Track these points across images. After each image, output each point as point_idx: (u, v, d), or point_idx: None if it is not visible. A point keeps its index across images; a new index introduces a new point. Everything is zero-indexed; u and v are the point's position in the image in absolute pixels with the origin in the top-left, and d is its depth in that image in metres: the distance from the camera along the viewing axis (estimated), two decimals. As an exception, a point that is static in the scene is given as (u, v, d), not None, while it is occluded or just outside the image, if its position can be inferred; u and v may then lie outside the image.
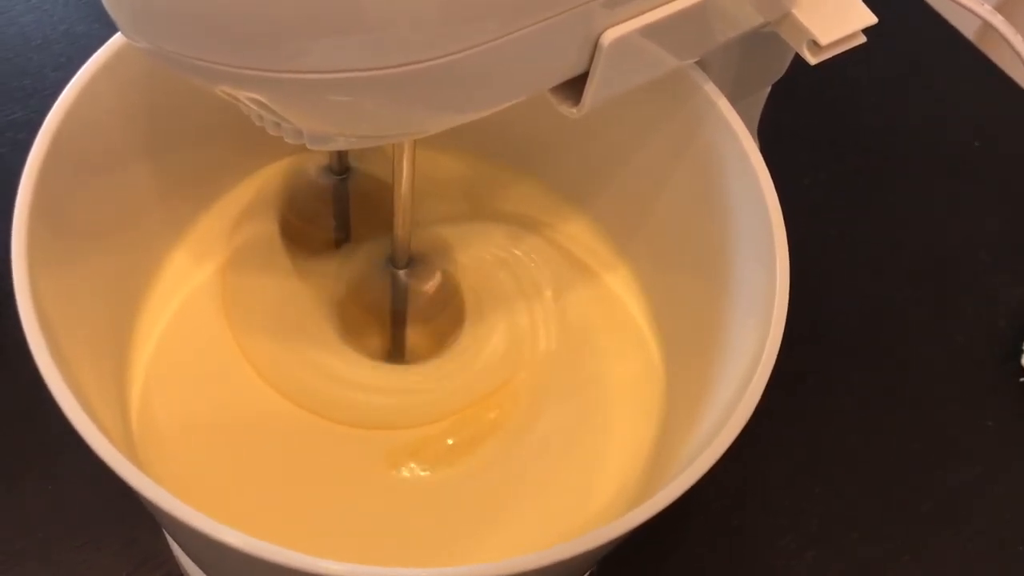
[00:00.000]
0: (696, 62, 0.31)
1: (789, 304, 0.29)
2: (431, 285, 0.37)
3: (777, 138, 0.42)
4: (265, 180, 0.39)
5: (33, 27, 0.51)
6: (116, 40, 0.30)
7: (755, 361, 0.28)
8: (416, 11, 0.22)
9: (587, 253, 0.39)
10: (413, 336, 0.37)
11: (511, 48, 0.23)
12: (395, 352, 0.37)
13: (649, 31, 0.26)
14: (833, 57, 0.31)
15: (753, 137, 0.39)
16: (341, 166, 0.38)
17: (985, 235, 0.50)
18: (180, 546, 0.35)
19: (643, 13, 0.26)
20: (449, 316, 0.37)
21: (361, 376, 0.36)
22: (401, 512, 0.34)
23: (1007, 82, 0.56)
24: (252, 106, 0.24)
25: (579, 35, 0.25)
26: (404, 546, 0.33)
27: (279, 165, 0.39)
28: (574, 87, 0.27)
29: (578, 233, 0.40)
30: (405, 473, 0.34)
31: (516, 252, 0.39)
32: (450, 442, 0.35)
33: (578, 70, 0.26)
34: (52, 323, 0.27)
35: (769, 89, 0.38)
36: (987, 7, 0.42)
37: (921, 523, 0.42)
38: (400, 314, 0.37)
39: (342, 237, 0.39)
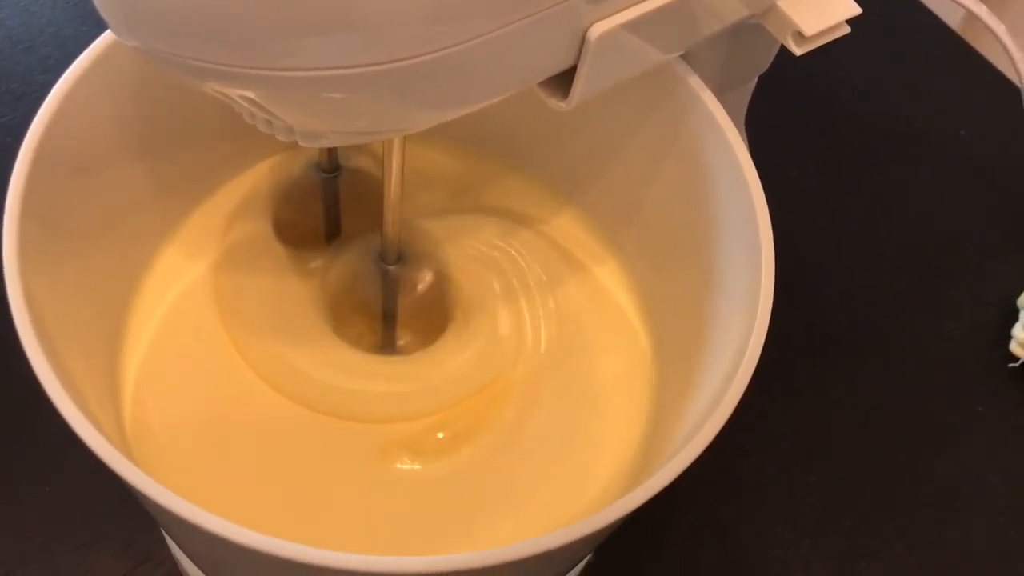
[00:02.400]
0: (682, 55, 0.31)
1: (778, 294, 0.29)
2: (421, 280, 0.37)
3: (765, 129, 0.42)
4: (256, 177, 0.39)
5: (20, 30, 0.51)
6: (103, 40, 0.30)
7: (741, 351, 0.28)
8: (405, 7, 0.22)
9: (577, 247, 0.39)
10: (404, 331, 0.37)
11: (501, 43, 0.24)
12: (386, 347, 0.37)
13: (636, 25, 0.26)
14: (819, 47, 0.31)
15: (740, 129, 0.39)
16: (331, 163, 0.38)
17: (972, 223, 0.51)
18: (176, 542, 0.36)
19: (630, 7, 0.26)
20: (440, 311, 0.38)
21: (354, 370, 0.36)
22: (396, 505, 0.34)
23: (991, 71, 0.56)
24: (243, 104, 0.24)
25: (567, 29, 0.25)
26: (399, 538, 0.33)
27: (270, 162, 0.39)
28: (563, 81, 0.27)
29: (568, 227, 0.40)
30: (400, 466, 0.34)
31: (506, 246, 0.39)
32: (440, 435, 0.35)
33: (566, 64, 0.27)
34: (46, 324, 0.27)
35: (755, 81, 0.39)
36: (971, -3, 0.43)
37: (915, 510, 0.42)
38: (391, 309, 0.38)
39: (333, 233, 0.39)
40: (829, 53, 0.31)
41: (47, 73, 0.49)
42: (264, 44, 0.22)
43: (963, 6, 0.43)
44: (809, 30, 0.30)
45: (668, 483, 0.26)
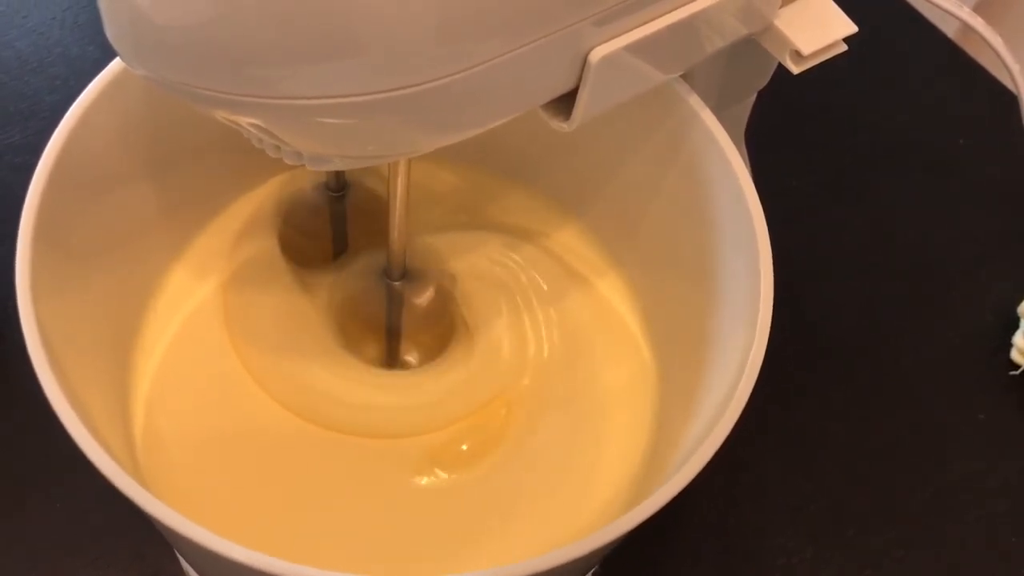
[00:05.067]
0: (681, 75, 0.32)
1: (779, 304, 0.30)
2: (427, 296, 0.38)
3: (765, 141, 0.43)
4: (263, 197, 0.39)
5: (29, 51, 0.51)
6: (115, 65, 0.31)
7: (743, 362, 0.28)
8: (409, 36, 0.22)
9: (580, 261, 0.40)
10: (410, 346, 0.38)
11: (503, 69, 0.24)
12: (393, 363, 0.37)
13: (636, 48, 0.27)
14: (820, 61, 0.31)
15: (739, 144, 0.39)
16: (337, 183, 0.38)
17: (971, 231, 0.51)
18: (188, 563, 0.36)
19: (630, 31, 0.26)
20: (445, 326, 0.38)
21: (360, 386, 0.36)
22: (406, 521, 0.34)
23: (990, 80, 0.56)
24: (252, 130, 0.25)
25: (568, 54, 0.26)
26: (406, 554, 0.34)
27: (276, 182, 0.40)
28: (564, 103, 0.28)
29: (571, 241, 0.40)
30: (405, 482, 0.35)
31: (509, 261, 0.40)
32: (451, 452, 0.35)
33: (568, 87, 0.27)
34: (56, 344, 0.28)
35: (755, 97, 0.39)
36: (966, 10, 0.43)
37: (916, 517, 0.43)
38: (396, 325, 0.38)
39: (339, 251, 0.39)
40: (828, 65, 0.32)
41: (55, 94, 0.49)
42: (272, 73, 0.23)
43: (959, 18, 0.43)
44: (806, 49, 0.30)
45: (674, 496, 0.26)
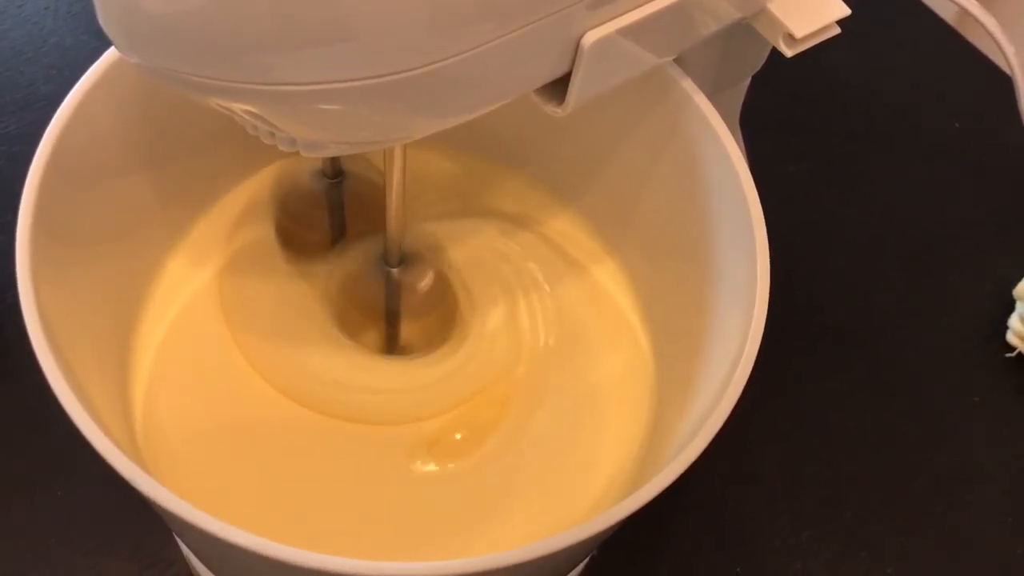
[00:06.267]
0: (675, 58, 0.32)
1: (776, 289, 0.30)
2: (424, 283, 0.38)
3: (761, 126, 0.43)
4: (259, 184, 0.39)
5: (24, 40, 0.51)
6: (111, 53, 0.31)
7: (740, 348, 0.28)
8: (402, 21, 0.22)
9: (576, 247, 0.40)
10: (408, 333, 0.38)
11: (496, 54, 0.24)
12: (391, 349, 0.37)
13: (628, 31, 0.27)
14: (814, 44, 0.31)
15: (734, 128, 0.39)
16: (334, 169, 0.38)
17: (968, 214, 0.51)
18: (190, 548, 0.36)
19: (623, 14, 0.26)
20: (443, 312, 0.38)
21: (358, 373, 0.36)
22: (404, 507, 0.34)
23: (986, 64, 0.56)
24: (246, 117, 0.25)
25: (561, 38, 0.26)
26: (407, 540, 0.34)
27: (272, 169, 0.40)
28: (558, 87, 0.28)
29: (567, 228, 0.40)
30: (404, 469, 0.35)
31: (507, 248, 0.40)
32: (445, 439, 0.35)
33: (561, 71, 0.27)
34: (57, 332, 0.28)
35: (749, 81, 0.39)
36: (962, -7, 0.43)
37: (914, 500, 0.43)
38: (395, 312, 0.38)
39: (336, 238, 0.39)
40: (824, 49, 0.32)
41: (50, 83, 0.49)
42: (264, 60, 0.22)
43: (955, 1, 0.43)
44: (799, 32, 0.30)
45: (671, 483, 0.26)
